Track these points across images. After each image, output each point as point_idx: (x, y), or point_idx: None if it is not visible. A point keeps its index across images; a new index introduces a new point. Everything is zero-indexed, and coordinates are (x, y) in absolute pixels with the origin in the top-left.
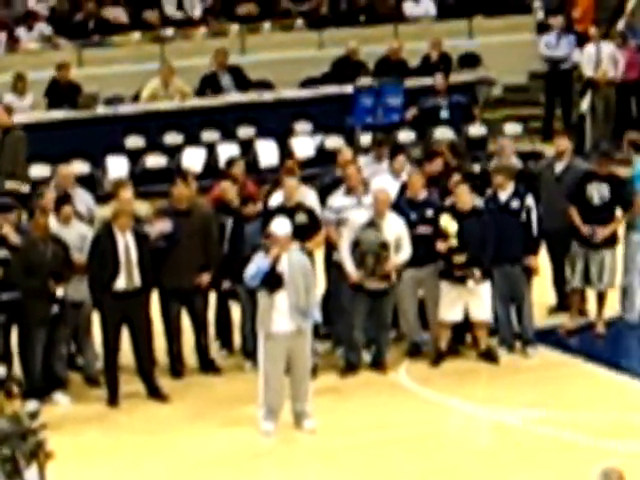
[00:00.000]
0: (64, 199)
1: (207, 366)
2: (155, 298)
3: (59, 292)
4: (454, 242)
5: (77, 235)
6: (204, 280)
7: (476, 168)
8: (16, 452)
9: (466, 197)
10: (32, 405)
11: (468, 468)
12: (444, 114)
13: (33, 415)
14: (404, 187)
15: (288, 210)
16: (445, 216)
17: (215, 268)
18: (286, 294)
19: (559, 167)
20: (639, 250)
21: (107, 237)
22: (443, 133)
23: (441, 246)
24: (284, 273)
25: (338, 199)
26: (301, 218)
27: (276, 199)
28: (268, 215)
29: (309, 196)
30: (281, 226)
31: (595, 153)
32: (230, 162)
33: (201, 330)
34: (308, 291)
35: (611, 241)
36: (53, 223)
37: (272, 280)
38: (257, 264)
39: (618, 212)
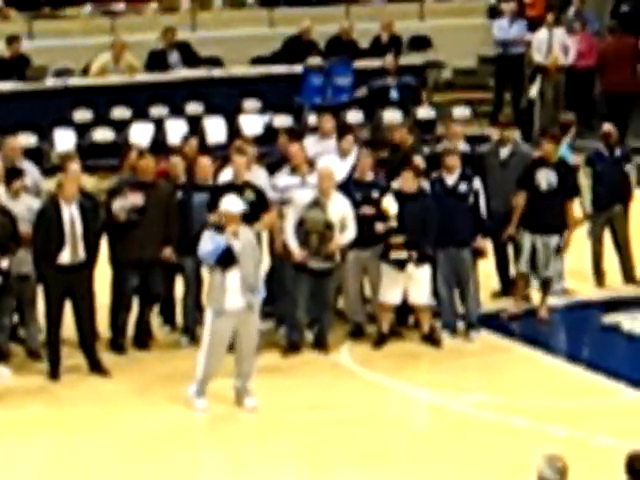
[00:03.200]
0: (15, 172)
1: (144, 343)
2: (100, 271)
3: (4, 264)
4: (393, 224)
5: (25, 207)
6: (167, 253)
7: (425, 150)
8: None
9: (410, 182)
10: None
11: (407, 451)
12: (393, 94)
13: None
14: (355, 168)
15: (236, 188)
16: (387, 197)
17: (174, 242)
18: (238, 271)
19: (504, 152)
20: None
21: (52, 210)
22: (392, 115)
23: (380, 227)
24: (236, 250)
25: (282, 178)
26: (249, 196)
27: (225, 176)
28: (216, 191)
29: (260, 175)
30: (235, 204)
31: (546, 138)
32: (184, 139)
33: (150, 305)
34: (257, 267)
35: (559, 228)
36: (1, 195)
37: (226, 258)
38: (214, 242)
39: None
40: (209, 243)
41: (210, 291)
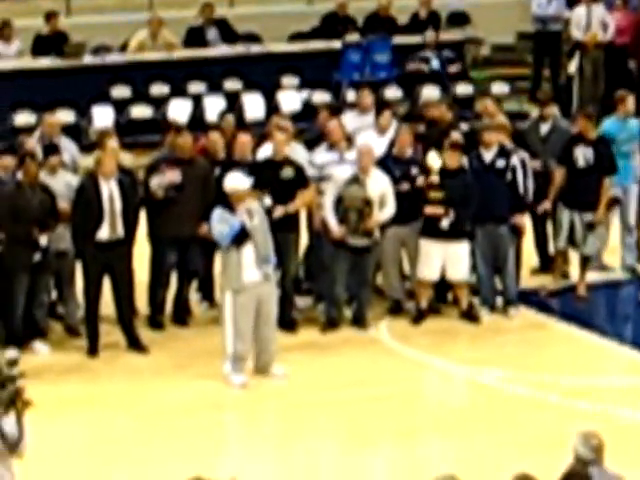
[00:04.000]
0: (52, 148)
1: (182, 319)
2: (139, 247)
3: (43, 240)
4: (435, 179)
5: (64, 184)
6: (204, 229)
7: (464, 127)
8: None
9: (455, 160)
10: (11, 353)
11: (445, 427)
12: (435, 65)
13: (12, 363)
14: (392, 144)
15: (275, 164)
16: (432, 153)
17: None
18: (252, 246)
19: (544, 128)
20: None
21: (91, 186)
22: (430, 91)
23: (420, 180)
24: (249, 226)
25: (321, 155)
26: (288, 173)
27: (263, 152)
28: (255, 168)
29: (298, 151)
30: (242, 180)
31: (581, 116)
32: (221, 115)
33: (188, 282)
34: (266, 235)
35: (597, 204)
36: (40, 172)
37: (241, 236)
38: (228, 224)
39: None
40: (222, 224)
41: (226, 270)
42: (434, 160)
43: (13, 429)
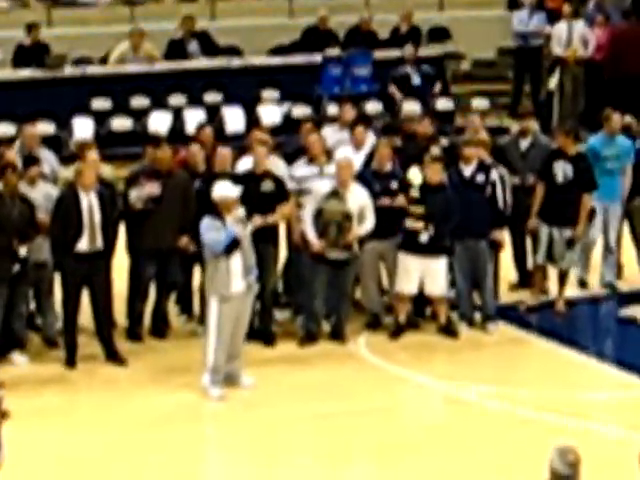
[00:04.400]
0: (31, 160)
1: (160, 331)
2: (118, 259)
3: (22, 251)
4: (416, 194)
5: (43, 195)
6: (184, 241)
7: (444, 142)
8: None
9: (437, 175)
10: None
11: (423, 442)
12: (416, 80)
13: None
14: (370, 158)
15: (256, 177)
16: (413, 168)
17: (192, 231)
18: (240, 255)
19: (524, 144)
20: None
21: (71, 198)
22: (411, 105)
23: (401, 200)
24: (240, 235)
25: (300, 168)
26: (268, 186)
27: (243, 165)
28: (236, 181)
29: (278, 165)
30: (231, 189)
31: (560, 131)
32: (200, 127)
33: (167, 294)
34: (250, 247)
35: (576, 220)
36: (20, 183)
37: (233, 245)
38: (224, 231)
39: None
40: (215, 232)
41: (214, 278)
42: (415, 175)
43: None
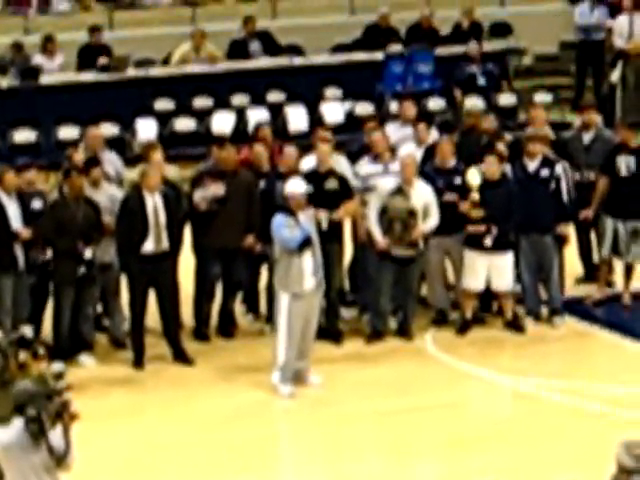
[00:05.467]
0: (93, 162)
1: (228, 331)
2: (184, 260)
3: (87, 253)
4: (475, 196)
5: (107, 197)
6: (249, 241)
7: (508, 137)
8: (42, 412)
9: (493, 167)
10: (58, 366)
11: (490, 437)
12: (481, 81)
13: (58, 376)
14: (428, 154)
15: (320, 175)
16: (472, 169)
17: (257, 230)
18: (311, 253)
19: (587, 137)
20: None
21: (136, 199)
22: (474, 102)
23: (463, 206)
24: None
25: (364, 166)
26: (332, 184)
27: (306, 164)
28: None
29: (342, 163)
30: (302, 185)
31: (623, 125)
32: (258, 126)
33: (233, 293)
34: (318, 245)
35: (639, 213)
36: (84, 185)
37: (307, 242)
38: (299, 229)
39: None
40: (290, 229)
41: (286, 276)
42: (474, 177)
43: (60, 442)
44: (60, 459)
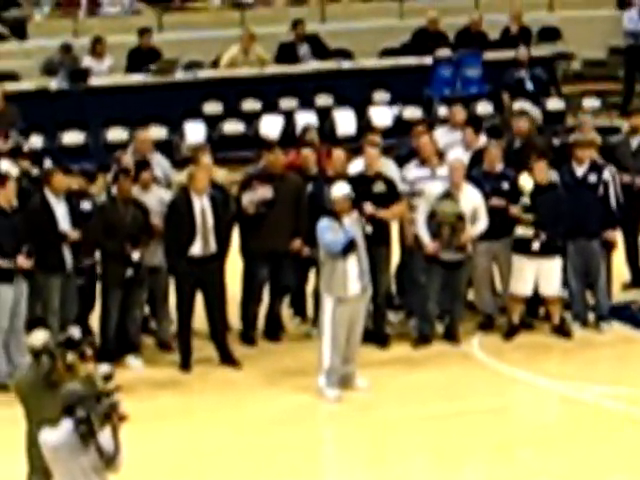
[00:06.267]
0: (143, 165)
1: (274, 334)
2: (232, 263)
3: (135, 256)
4: (526, 201)
5: (157, 200)
6: (297, 244)
7: (555, 142)
8: (91, 414)
9: (544, 172)
10: (106, 367)
11: (537, 442)
12: (529, 86)
13: (107, 377)
14: (475, 158)
15: (368, 179)
16: (524, 174)
17: (305, 234)
18: (356, 257)
19: (635, 142)
20: None
21: (184, 202)
22: (522, 106)
23: (513, 210)
24: (356, 237)
25: (412, 170)
26: (380, 187)
27: (355, 167)
28: (348, 183)
29: (389, 167)
30: (346, 189)
31: None
32: (304, 130)
33: (280, 297)
34: (364, 250)
35: None
36: (133, 188)
37: (351, 246)
38: (342, 233)
39: None
40: (334, 233)
41: (330, 279)
42: (526, 182)
43: (109, 443)
44: (109, 460)
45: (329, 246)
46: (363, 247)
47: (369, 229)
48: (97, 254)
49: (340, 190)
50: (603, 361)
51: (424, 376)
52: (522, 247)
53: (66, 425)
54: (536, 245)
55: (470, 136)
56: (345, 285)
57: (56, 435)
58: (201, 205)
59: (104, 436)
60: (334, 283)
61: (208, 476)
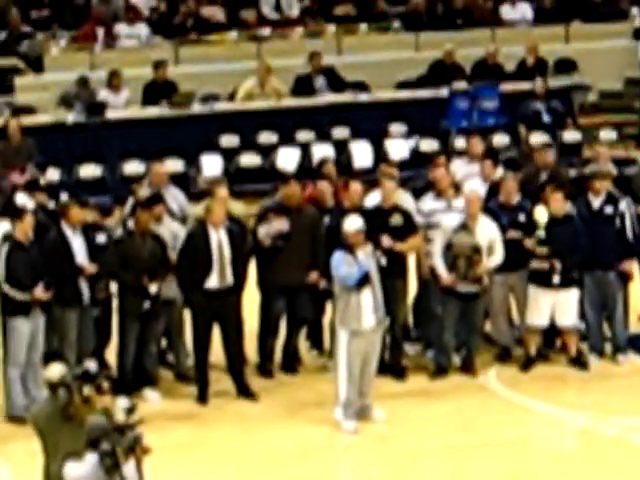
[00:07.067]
0: (156, 199)
1: (292, 367)
2: (249, 296)
3: (153, 289)
4: (541, 234)
5: (169, 233)
6: (313, 278)
7: (572, 173)
8: (116, 447)
9: (560, 204)
10: (126, 401)
11: (555, 474)
12: (546, 118)
13: (130, 410)
14: (492, 190)
15: (384, 211)
16: (539, 207)
17: (321, 266)
18: (370, 290)
19: None
20: None
21: (201, 234)
22: (538, 137)
23: (528, 243)
24: (370, 270)
25: (428, 202)
26: (397, 220)
27: (372, 200)
28: (365, 215)
29: (406, 199)
30: (359, 222)
31: None
32: (321, 162)
33: (297, 329)
34: (378, 283)
35: None
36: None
37: (365, 279)
38: (356, 265)
39: None
40: (348, 267)
41: (345, 313)
42: (541, 215)
43: (133, 476)
44: None
45: (344, 280)
46: (378, 280)
47: (383, 261)
48: (113, 287)
49: (352, 224)
50: (620, 392)
51: (441, 408)
52: (539, 278)
53: (91, 458)
54: (556, 279)
55: (488, 168)
56: (359, 318)
57: (81, 468)
58: (218, 238)
59: (128, 469)
60: (348, 316)
61: None
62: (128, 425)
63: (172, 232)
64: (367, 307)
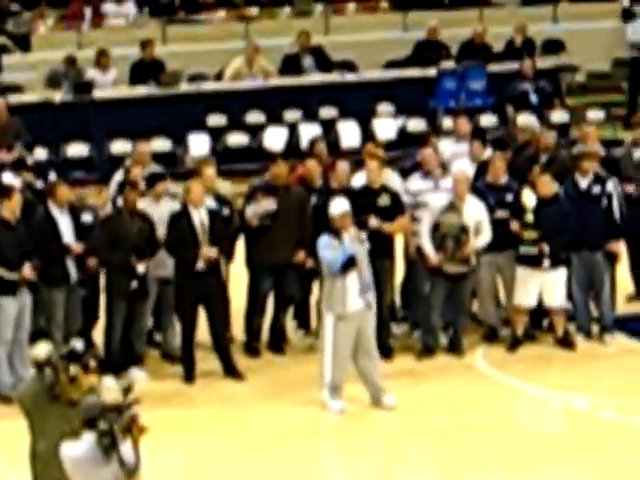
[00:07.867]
0: (159, 176)
1: (278, 346)
2: (236, 275)
3: (140, 268)
4: (530, 217)
5: (168, 212)
6: (301, 257)
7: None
8: (114, 426)
9: (549, 186)
10: (125, 380)
11: (541, 454)
12: (533, 99)
13: (127, 390)
14: (480, 170)
15: (372, 192)
16: (526, 190)
17: (308, 246)
18: (357, 273)
19: (637, 154)
20: None
21: (183, 215)
22: (526, 118)
23: (515, 225)
24: (356, 253)
25: (415, 182)
26: (384, 200)
27: (358, 180)
28: (352, 195)
29: (394, 179)
30: (345, 205)
31: None
32: (312, 142)
33: (284, 309)
34: (367, 265)
35: None
36: (144, 199)
37: (350, 263)
38: (340, 249)
39: None
40: (333, 250)
41: (330, 296)
42: (529, 198)
43: (131, 455)
44: (130, 472)
45: (329, 265)
46: (365, 262)
47: (367, 246)
48: (100, 267)
49: (338, 207)
50: (607, 373)
51: (428, 388)
52: (527, 259)
53: (88, 438)
54: (546, 263)
55: (477, 149)
56: (344, 302)
57: (78, 448)
58: (200, 217)
59: (125, 448)
60: (334, 299)
61: None
62: (125, 405)
63: (170, 210)
64: (353, 291)
